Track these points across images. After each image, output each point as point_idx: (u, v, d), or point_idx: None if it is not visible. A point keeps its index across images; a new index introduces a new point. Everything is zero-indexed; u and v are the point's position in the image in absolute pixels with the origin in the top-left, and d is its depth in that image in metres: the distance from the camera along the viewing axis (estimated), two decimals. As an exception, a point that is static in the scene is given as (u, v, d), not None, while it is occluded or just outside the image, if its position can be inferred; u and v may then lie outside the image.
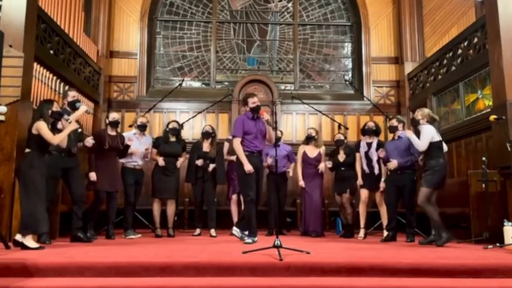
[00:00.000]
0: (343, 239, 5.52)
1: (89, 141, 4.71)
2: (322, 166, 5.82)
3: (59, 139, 3.93)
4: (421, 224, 5.50)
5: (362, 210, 5.48)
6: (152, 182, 5.60)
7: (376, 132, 5.55)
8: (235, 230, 4.58)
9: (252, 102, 4.58)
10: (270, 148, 5.95)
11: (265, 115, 4.49)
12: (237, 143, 4.52)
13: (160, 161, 5.50)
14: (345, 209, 5.79)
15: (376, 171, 5.34)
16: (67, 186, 4.59)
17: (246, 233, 4.92)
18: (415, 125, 4.80)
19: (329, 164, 5.80)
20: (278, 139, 5.53)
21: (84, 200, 4.69)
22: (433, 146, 4.55)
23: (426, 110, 4.84)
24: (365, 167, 5.45)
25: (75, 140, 4.57)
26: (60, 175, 4.51)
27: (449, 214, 5.25)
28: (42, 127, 3.82)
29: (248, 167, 4.37)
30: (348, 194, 5.71)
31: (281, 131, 6.43)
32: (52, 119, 4.02)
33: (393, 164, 4.98)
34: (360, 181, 5.54)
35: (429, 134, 4.55)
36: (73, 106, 4.50)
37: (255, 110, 4.56)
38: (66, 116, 4.19)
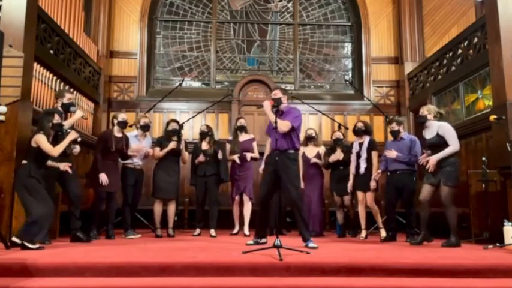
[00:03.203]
0: (343, 238, 5.53)
1: (76, 150, 4.76)
2: (313, 159, 5.80)
3: (59, 151, 3.92)
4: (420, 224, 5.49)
5: (361, 211, 5.48)
6: (154, 181, 5.59)
7: (366, 131, 5.54)
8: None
9: (273, 94, 4.28)
10: None
11: (266, 104, 4.12)
12: (267, 143, 4.44)
13: (173, 144, 5.41)
14: (348, 210, 5.82)
15: (362, 170, 5.32)
16: (62, 188, 4.56)
17: (235, 232, 4.84)
18: (422, 122, 4.69)
19: (333, 158, 5.77)
20: None
21: (81, 200, 4.64)
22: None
23: (432, 106, 4.82)
24: (353, 168, 5.45)
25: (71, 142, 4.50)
26: (56, 177, 4.45)
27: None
28: (41, 140, 3.82)
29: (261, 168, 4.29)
30: (350, 196, 5.73)
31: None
32: (53, 131, 4.02)
33: (392, 153, 4.96)
34: (349, 185, 5.53)
35: (453, 130, 4.47)
36: (67, 108, 4.48)
37: (274, 104, 4.14)
38: (65, 127, 4.18)
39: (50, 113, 4.08)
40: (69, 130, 4.15)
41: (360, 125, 5.60)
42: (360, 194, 5.43)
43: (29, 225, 3.68)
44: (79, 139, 4.29)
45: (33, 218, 3.69)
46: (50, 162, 4.15)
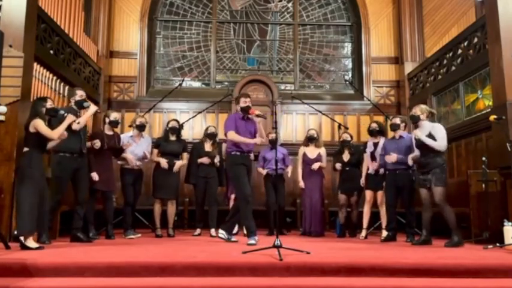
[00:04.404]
0: (343, 239, 5.53)
1: (96, 144, 4.71)
2: (316, 165, 5.81)
3: (58, 133, 3.90)
4: (420, 223, 5.49)
5: (366, 210, 5.49)
6: (153, 181, 5.60)
7: (380, 132, 5.57)
8: (222, 233, 4.59)
9: (243, 101, 4.56)
10: (268, 151, 5.97)
11: (255, 111, 4.46)
12: (232, 134, 4.47)
13: (163, 163, 5.46)
14: (352, 210, 5.82)
15: (381, 171, 5.33)
16: (74, 186, 4.53)
17: (234, 232, 4.94)
18: (415, 122, 4.73)
19: (338, 167, 5.80)
20: (276, 141, 5.55)
21: (87, 200, 4.65)
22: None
23: (423, 106, 4.82)
24: (370, 168, 5.46)
25: (85, 140, 4.57)
26: (71, 176, 4.45)
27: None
28: (39, 124, 3.80)
29: (257, 140, 4.43)
30: (356, 197, 5.74)
31: (278, 134, 6.41)
32: (48, 116, 4.00)
33: (392, 157, 4.95)
34: (362, 182, 5.56)
35: (444, 131, 4.52)
36: (80, 105, 4.49)
37: (245, 110, 4.54)
38: (61, 112, 4.18)
39: (43, 99, 4.07)
40: (66, 114, 4.13)
41: (374, 125, 5.64)
42: (368, 194, 5.45)
43: (20, 217, 3.69)
44: (77, 121, 4.27)
45: (22, 208, 3.69)
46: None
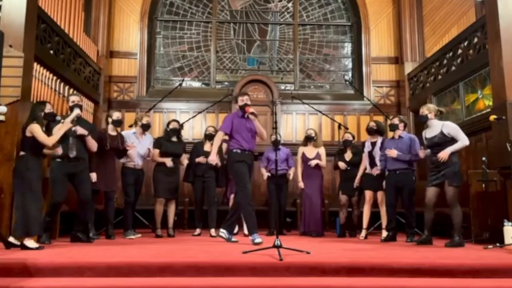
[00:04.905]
0: (343, 239, 5.53)
1: (78, 130, 4.41)
2: (313, 162, 5.83)
3: (54, 140, 3.90)
4: (421, 223, 5.49)
5: (366, 210, 5.48)
6: (154, 181, 5.60)
7: (378, 131, 5.55)
8: (222, 232, 4.60)
9: (240, 100, 4.63)
10: (271, 151, 5.98)
11: (250, 109, 4.50)
12: (218, 135, 4.55)
13: (169, 162, 5.44)
14: (353, 210, 5.82)
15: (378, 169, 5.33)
16: (75, 189, 4.50)
17: (234, 232, 4.95)
18: (424, 121, 4.70)
19: (342, 166, 5.80)
20: (278, 142, 5.53)
21: (89, 202, 4.61)
22: (453, 142, 4.46)
23: (431, 105, 4.81)
24: (368, 167, 5.46)
25: (74, 144, 4.40)
26: (66, 180, 4.39)
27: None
28: (35, 130, 3.80)
29: (213, 158, 4.48)
30: (357, 197, 5.74)
31: (280, 135, 6.40)
32: (46, 121, 4.00)
33: (392, 152, 4.94)
34: (356, 182, 5.56)
35: (457, 126, 4.51)
36: (71, 111, 4.46)
37: (241, 108, 4.59)
38: (58, 118, 4.17)
39: (42, 103, 4.07)
40: (62, 120, 4.13)
41: (372, 124, 5.63)
42: (368, 193, 5.44)
43: (19, 220, 3.69)
44: (73, 128, 4.25)
45: (21, 212, 3.69)
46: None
